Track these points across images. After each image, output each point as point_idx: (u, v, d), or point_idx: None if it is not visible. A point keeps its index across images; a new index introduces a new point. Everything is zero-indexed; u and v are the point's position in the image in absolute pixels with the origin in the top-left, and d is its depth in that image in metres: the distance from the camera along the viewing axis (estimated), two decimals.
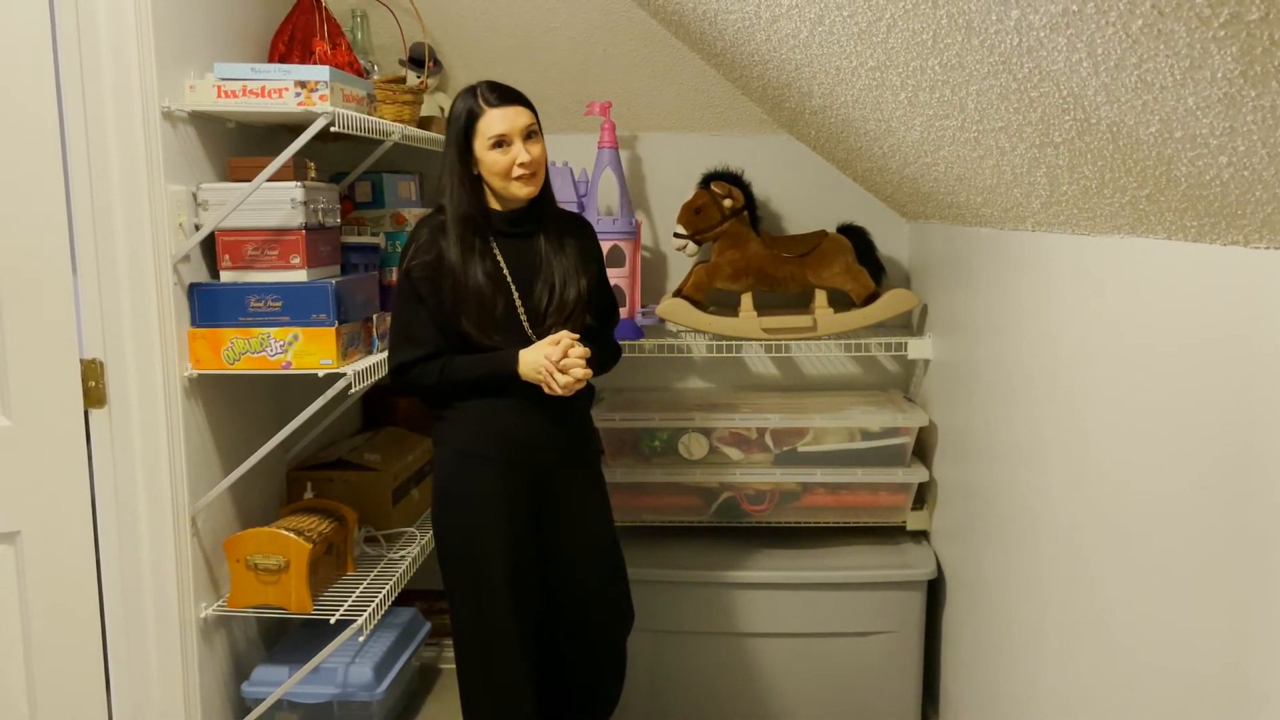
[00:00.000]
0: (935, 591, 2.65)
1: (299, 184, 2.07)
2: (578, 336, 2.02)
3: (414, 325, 2.03)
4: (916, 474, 2.69)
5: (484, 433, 2.05)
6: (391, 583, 2.26)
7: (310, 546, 2.11)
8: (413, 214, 2.57)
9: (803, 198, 3.00)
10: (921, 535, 2.80)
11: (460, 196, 2.00)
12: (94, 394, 1.96)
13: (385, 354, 2.21)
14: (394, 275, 2.37)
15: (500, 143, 1.95)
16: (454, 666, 2.13)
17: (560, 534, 2.11)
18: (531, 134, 1.99)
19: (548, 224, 2.09)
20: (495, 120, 1.95)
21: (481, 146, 1.96)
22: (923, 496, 2.77)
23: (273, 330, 2.05)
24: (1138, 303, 1.41)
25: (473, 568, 2.04)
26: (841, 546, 2.75)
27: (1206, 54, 0.84)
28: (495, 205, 2.04)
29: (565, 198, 2.72)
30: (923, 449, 2.76)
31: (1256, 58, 0.79)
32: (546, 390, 1.97)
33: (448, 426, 2.08)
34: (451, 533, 2.05)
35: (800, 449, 2.74)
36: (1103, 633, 1.53)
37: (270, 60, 2.41)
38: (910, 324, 2.93)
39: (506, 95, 1.99)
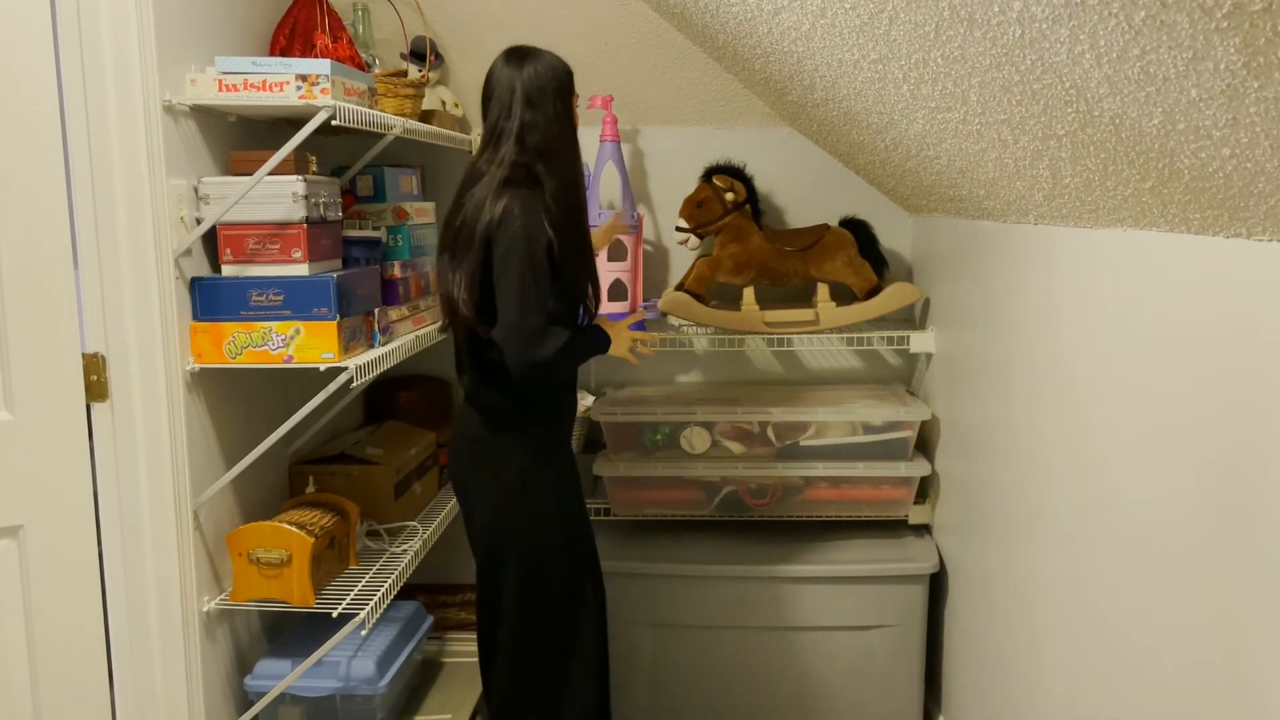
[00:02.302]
0: (937, 585, 2.65)
1: (300, 178, 2.06)
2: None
3: (553, 299, 1.96)
4: (919, 468, 2.69)
5: (567, 421, 2.21)
6: (394, 576, 2.26)
7: (312, 540, 2.11)
8: (414, 208, 2.56)
9: (805, 191, 2.99)
10: (924, 529, 2.80)
11: (576, 165, 2.08)
12: (96, 388, 1.96)
13: (387, 348, 2.21)
14: (395, 270, 2.38)
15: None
16: (463, 660, 2.19)
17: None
18: None
19: None
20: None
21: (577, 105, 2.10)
22: (925, 490, 2.77)
23: (274, 324, 2.05)
24: (1140, 295, 1.41)
25: (571, 534, 2.18)
26: (844, 540, 2.75)
27: (1209, 45, 0.84)
28: None
29: None
30: (925, 443, 2.76)
31: (1259, 49, 0.79)
32: (633, 358, 2.26)
33: (534, 417, 2.12)
34: (550, 509, 2.14)
35: (802, 443, 2.73)
36: (1104, 626, 1.53)
37: (271, 54, 2.41)
38: (912, 318, 2.93)
39: None
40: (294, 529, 2.12)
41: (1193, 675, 1.26)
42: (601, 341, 2.15)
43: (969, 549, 2.38)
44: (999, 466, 2.10)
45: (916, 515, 2.76)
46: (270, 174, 2.01)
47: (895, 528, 2.81)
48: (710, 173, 2.76)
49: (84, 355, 1.94)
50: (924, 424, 2.70)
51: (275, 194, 2.06)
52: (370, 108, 2.19)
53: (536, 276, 1.93)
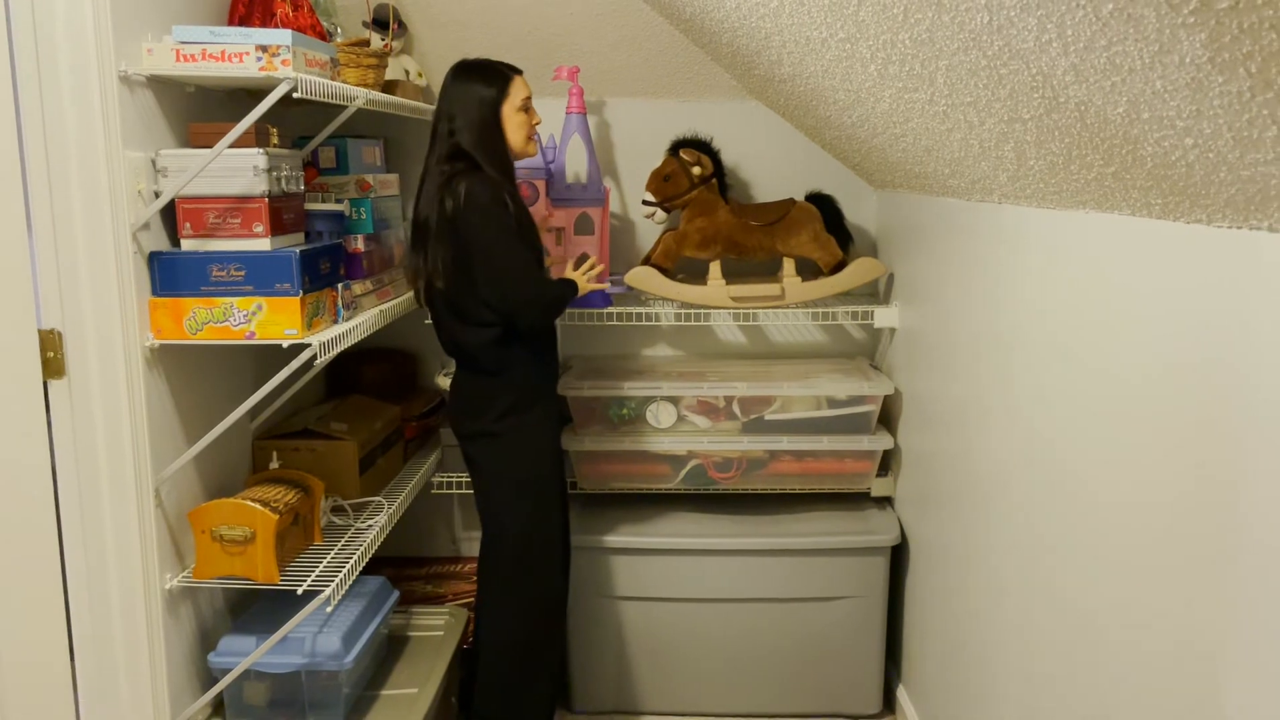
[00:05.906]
0: (899, 557, 2.69)
1: (261, 150, 2.03)
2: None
3: (531, 260, 2.22)
4: (881, 441, 2.72)
5: (543, 373, 2.36)
6: (359, 552, 2.25)
7: (276, 517, 2.10)
8: (378, 180, 2.53)
9: (771, 165, 2.99)
10: (886, 501, 2.83)
11: (506, 155, 2.25)
12: (53, 365, 1.93)
13: (351, 323, 2.19)
14: (359, 243, 2.35)
15: (526, 107, 2.27)
16: (429, 634, 2.34)
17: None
18: None
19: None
20: (521, 86, 2.27)
21: (511, 108, 2.24)
22: (887, 463, 2.80)
23: (236, 300, 2.02)
24: (1100, 275, 1.43)
25: (540, 484, 2.35)
26: (807, 513, 2.78)
27: (1175, 39, 0.84)
28: None
29: (533, 163, 2.69)
30: (888, 417, 2.79)
31: (1224, 45, 0.80)
32: (598, 284, 2.50)
33: (504, 379, 2.30)
34: (522, 450, 2.32)
35: (767, 417, 2.75)
36: (1060, 597, 1.56)
37: (230, 23, 2.35)
38: (877, 293, 2.95)
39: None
40: (257, 506, 2.10)
41: (1145, 644, 1.29)
42: (571, 286, 2.37)
43: (930, 521, 2.42)
44: (960, 440, 2.13)
45: (879, 488, 2.79)
46: (230, 147, 1.98)
47: (858, 500, 2.84)
48: (677, 146, 2.75)
49: (40, 331, 1.90)
50: (887, 398, 2.73)
51: (236, 167, 2.02)
52: (332, 79, 2.15)
53: (512, 238, 2.17)
